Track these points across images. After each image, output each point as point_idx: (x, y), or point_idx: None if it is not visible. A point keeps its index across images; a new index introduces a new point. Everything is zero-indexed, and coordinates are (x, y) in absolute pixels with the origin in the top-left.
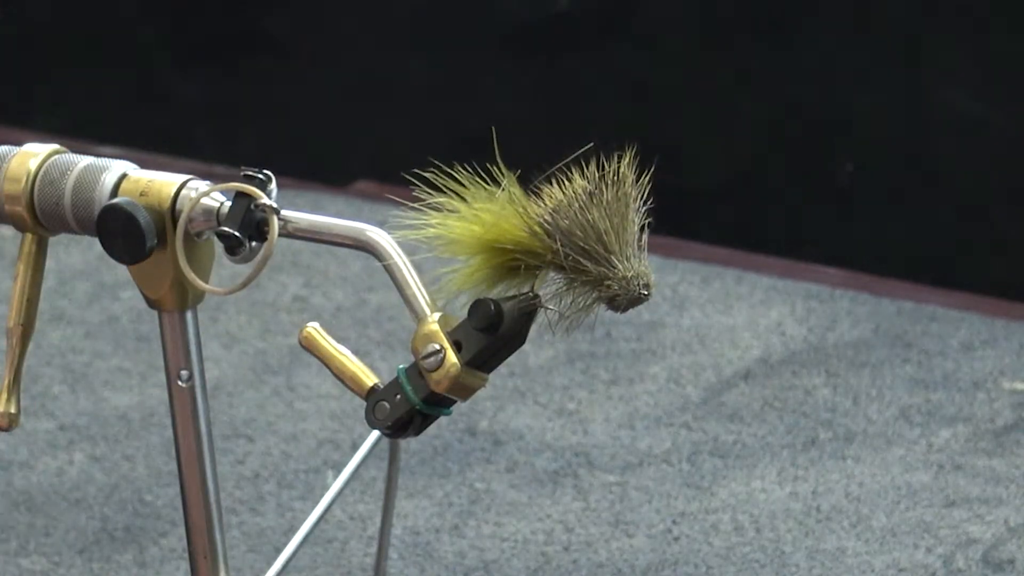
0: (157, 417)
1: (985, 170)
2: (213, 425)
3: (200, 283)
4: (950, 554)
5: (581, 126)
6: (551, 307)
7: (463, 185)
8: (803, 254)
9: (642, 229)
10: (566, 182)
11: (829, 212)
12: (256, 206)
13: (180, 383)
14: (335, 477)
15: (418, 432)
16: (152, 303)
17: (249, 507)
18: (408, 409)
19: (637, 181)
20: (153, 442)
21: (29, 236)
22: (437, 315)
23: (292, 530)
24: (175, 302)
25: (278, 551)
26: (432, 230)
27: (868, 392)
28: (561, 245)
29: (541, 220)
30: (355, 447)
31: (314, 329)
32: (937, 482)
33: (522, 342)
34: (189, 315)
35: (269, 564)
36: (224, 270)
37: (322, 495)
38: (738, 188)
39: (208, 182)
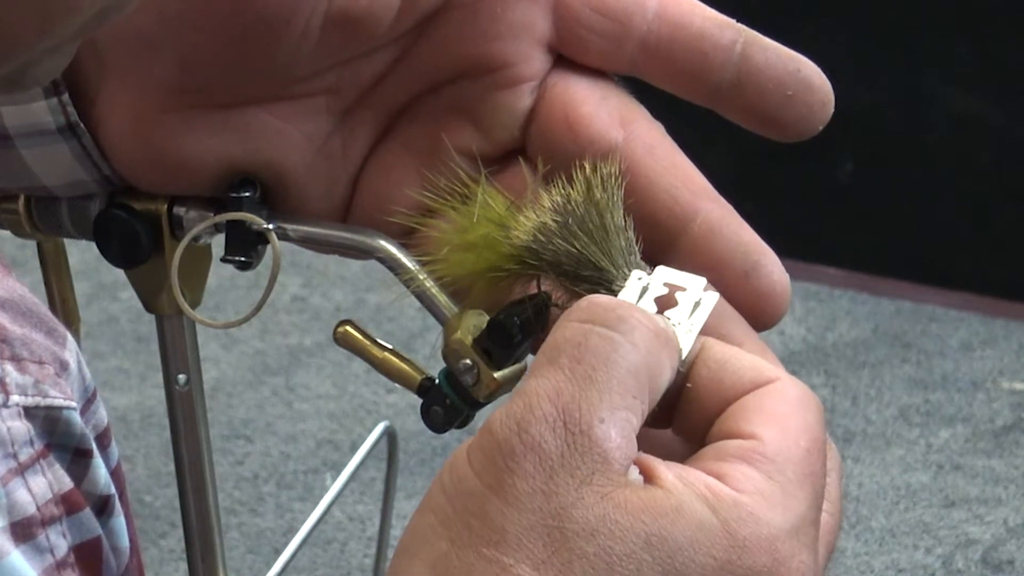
0: (156, 418)
1: (985, 170)
2: (212, 426)
3: (201, 318)
4: (949, 555)
5: None
6: (562, 305)
7: (448, 204)
8: (802, 254)
9: (625, 218)
10: (540, 205)
11: (829, 212)
12: (252, 225)
13: (178, 387)
14: (333, 479)
15: (471, 420)
16: (149, 307)
17: (248, 508)
18: (459, 414)
19: (612, 175)
20: (152, 443)
21: (51, 243)
22: (459, 319)
23: (291, 531)
24: (172, 306)
25: (277, 552)
26: (427, 267)
27: (867, 392)
28: (555, 276)
29: (528, 246)
30: (354, 448)
31: (350, 327)
32: (936, 482)
33: (547, 331)
34: (186, 319)
35: (268, 565)
36: (225, 270)
37: (321, 496)
38: (737, 187)
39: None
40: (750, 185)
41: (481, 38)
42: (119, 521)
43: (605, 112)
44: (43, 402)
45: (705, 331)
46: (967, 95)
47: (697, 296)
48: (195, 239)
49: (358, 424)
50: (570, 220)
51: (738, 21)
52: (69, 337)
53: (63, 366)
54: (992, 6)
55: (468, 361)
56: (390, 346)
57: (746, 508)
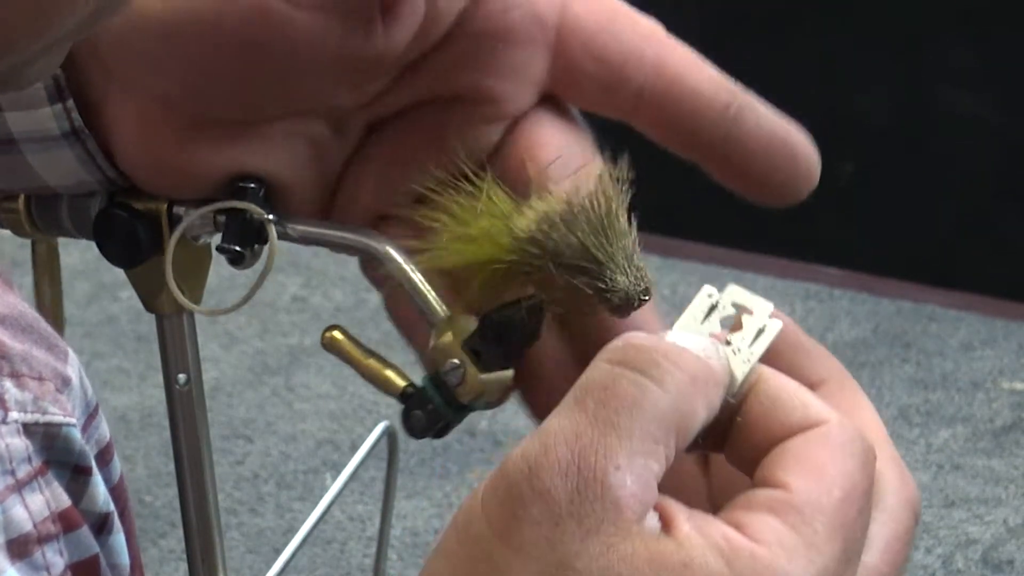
0: (156, 418)
1: (985, 170)
2: (212, 426)
3: (192, 306)
4: (949, 554)
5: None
6: (556, 308)
7: (452, 197)
8: (803, 254)
9: (630, 222)
10: (548, 195)
11: (829, 212)
12: (253, 216)
13: (178, 387)
14: (333, 479)
15: (450, 430)
16: (149, 307)
17: (248, 508)
18: (442, 419)
19: (620, 179)
20: (152, 443)
21: (44, 245)
22: (451, 317)
23: (291, 531)
24: (172, 306)
25: (277, 552)
26: (427, 256)
27: (867, 392)
28: (554, 266)
29: (531, 236)
30: (354, 447)
31: (338, 332)
32: (936, 482)
33: (537, 337)
34: (186, 318)
35: (268, 565)
36: (225, 269)
37: (321, 496)
38: None
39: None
40: None
41: (477, 71)
42: (118, 538)
43: (560, 166)
44: (42, 419)
45: (781, 364)
46: (967, 95)
47: (762, 322)
48: (195, 238)
49: (358, 424)
50: (576, 211)
51: (741, 22)
52: (71, 352)
53: (64, 382)
54: (993, 6)
55: (455, 360)
56: (377, 352)
57: (762, 561)
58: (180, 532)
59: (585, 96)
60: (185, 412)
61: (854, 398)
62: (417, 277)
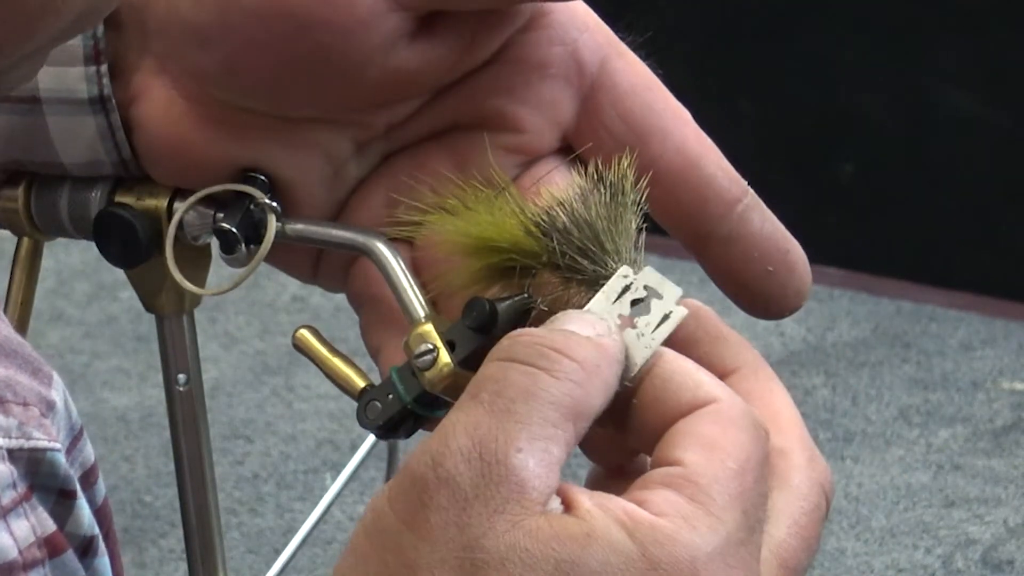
0: (156, 418)
1: (985, 170)
2: (212, 426)
3: (188, 284)
4: (949, 554)
5: None
6: (546, 307)
7: (460, 185)
8: None
9: (639, 231)
10: (563, 182)
11: (829, 212)
12: (256, 205)
13: (178, 387)
14: (333, 479)
15: (409, 434)
16: (149, 307)
17: (248, 508)
18: (399, 408)
19: (636, 183)
20: (152, 443)
21: (25, 240)
22: (431, 316)
23: (291, 531)
24: (172, 306)
25: (277, 552)
26: (427, 229)
27: (867, 392)
28: (557, 243)
29: (538, 219)
30: (354, 448)
31: (307, 331)
32: (936, 482)
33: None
34: (186, 319)
35: (268, 565)
36: (225, 270)
37: (321, 496)
38: None
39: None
40: (750, 185)
41: (507, 98)
42: (103, 561)
43: None
44: (27, 444)
45: (698, 352)
46: (967, 95)
47: (669, 308)
48: (195, 238)
49: (358, 424)
50: (592, 201)
51: (741, 21)
52: (55, 376)
53: (49, 406)
54: (992, 6)
55: (429, 345)
56: (344, 354)
57: (663, 531)
58: (180, 532)
59: (602, 152)
60: (185, 412)
61: (768, 384)
62: (403, 274)
